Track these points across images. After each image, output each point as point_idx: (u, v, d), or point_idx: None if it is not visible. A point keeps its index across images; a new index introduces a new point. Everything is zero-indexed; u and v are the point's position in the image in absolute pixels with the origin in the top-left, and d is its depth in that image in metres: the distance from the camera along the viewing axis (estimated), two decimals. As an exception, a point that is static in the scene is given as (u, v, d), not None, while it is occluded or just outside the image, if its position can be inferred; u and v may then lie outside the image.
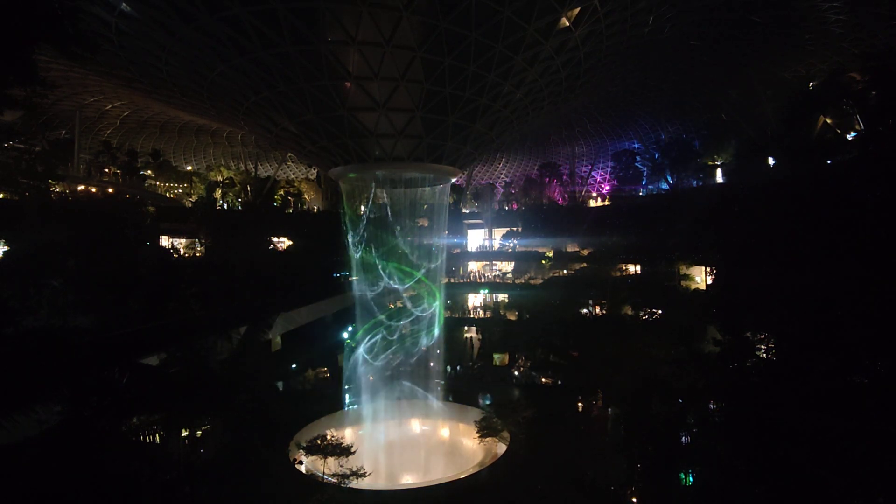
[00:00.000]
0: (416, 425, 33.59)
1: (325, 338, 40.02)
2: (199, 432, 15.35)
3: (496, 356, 42.42)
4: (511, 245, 57.88)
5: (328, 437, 24.20)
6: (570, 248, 49.60)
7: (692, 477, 16.24)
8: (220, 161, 68.06)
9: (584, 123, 57.45)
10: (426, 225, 38.17)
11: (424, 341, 36.41)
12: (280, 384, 35.00)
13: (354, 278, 36.99)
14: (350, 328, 39.32)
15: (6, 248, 26.15)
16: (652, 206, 48.07)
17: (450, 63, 22.75)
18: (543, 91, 28.36)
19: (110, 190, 45.67)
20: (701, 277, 40.20)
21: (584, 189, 65.49)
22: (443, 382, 36.67)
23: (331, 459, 23.27)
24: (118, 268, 21.16)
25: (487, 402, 33.59)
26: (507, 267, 55.60)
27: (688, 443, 16.33)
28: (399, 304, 38.50)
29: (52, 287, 18.24)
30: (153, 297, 21.74)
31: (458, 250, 58.00)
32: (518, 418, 27.04)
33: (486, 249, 60.74)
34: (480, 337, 46.43)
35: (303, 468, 23.43)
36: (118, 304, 20.75)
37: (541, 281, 47.46)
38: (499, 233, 61.61)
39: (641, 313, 33.19)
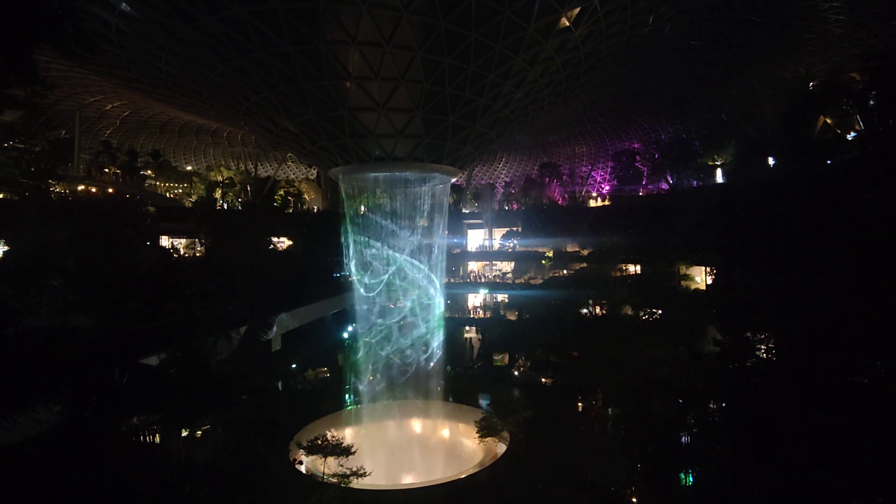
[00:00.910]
0: (416, 425, 33.59)
1: (325, 338, 40.01)
2: (199, 432, 15.37)
3: (496, 356, 42.41)
4: (511, 245, 57.87)
5: (328, 437, 24.18)
6: (570, 248, 49.58)
7: (692, 477, 16.23)
8: (220, 161, 68.04)
9: (584, 123, 57.44)
10: (426, 225, 38.14)
11: (433, 345, 36.40)
12: (280, 384, 35.01)
13: (354, 278, 36.98)
14: (350, 328, 39.34)
15: (6, 248, 26.13)
16: (652, 206, 48.05)
17: (450, 63, 22.75)
18: (543, 91, 28.36)
19: (110, 190, 45.64)
20: (701, 277, 40.21)
21: (584, 189, 65.46)
22: (443, 382, 36.65)
23: (331, 459, 23.25)
24: (118, 268, 21.15)
25: (487, 403, 33.60)
26: (507, 267, 55.58)
27: (688, 443, 16.32)
28: (399, 305, 38.50)
29: (52, 287, 18.23)
30: (153, 297, 21.71)
31: (458, 250, 57.98)
32: (518, 418, 27.03)
33: (486, 249, 60.71)
34: (480, 337, 46.43)
35: (303, 468, 23.43)
36: (118, 304, 20.73)
37: (541, 281, 47.45)
38: (499, 233, 61.59)
39: (641, 313, 33.23)
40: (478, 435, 27.15)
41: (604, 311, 37.11)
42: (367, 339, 35.45)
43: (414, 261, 37.31)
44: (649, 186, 57.48)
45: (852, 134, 32.44)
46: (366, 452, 25.02)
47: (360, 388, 35.14)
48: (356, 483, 21.96)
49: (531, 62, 24.49)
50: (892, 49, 25.38)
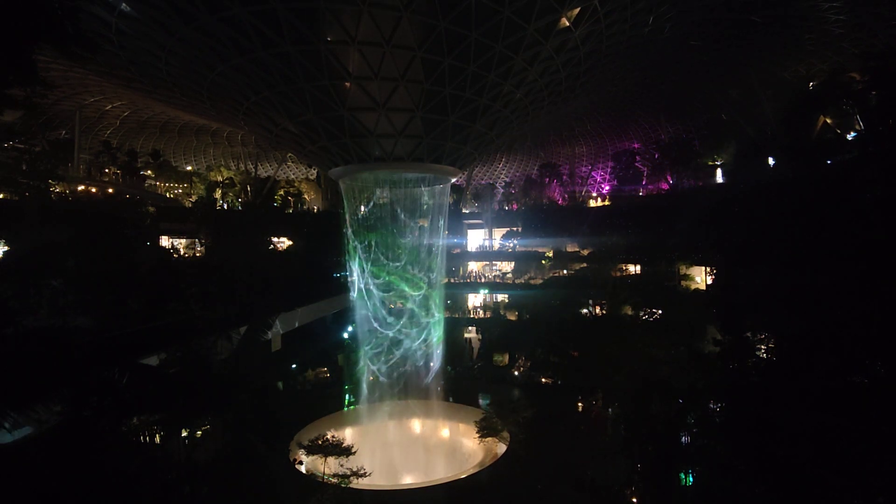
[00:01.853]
0: (416, 425, 33.59)
1: (325, 338, 40.02)
2: (199, 432, 15.37)
3: (496, 356, 42.42)
4: (511, 245, 57.86)
5: (328, 437, 24.19)
6: (570, 248, 49.59)
7: (692, 477, 16.23)
8: (220, 161, 68.02)
9: (584, 123, 57.43)
10: (426, 225, 38.14)
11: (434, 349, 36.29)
12: (280, 384, 35.02)
13: (354, 278, 36.98)
14: (350, 328, 39.33)
15: (6, 248, 26.14)
16: (652, 206, 48.09)
17: (450, 63, 22.75)
18: (543, 91, 28.36)
19: (110, 190, 45.68)
20: (701, 277, 40.21)
21: (584, 189, 65.47)
22: (443, 382, 36.65)
23: (331, 459, 23.27)
24: (118, 268, 21.15)
25: (487, 403, 33.59)
26: (507, 267, 55.57)
27: (688, 443, 16.33)
28: (399, 305, 38.49)
29: (52, 287, 18.24)
30: (153, 297, 21.72)
31: (458, 250, 57.98)
32: (518, 418, 27.04)
33: (486, 249, 60.71)
34: (480, 337, 46.43)
35: (303, 468, 23.44)
36: (118, 304, 20.75)
37: (541, 281, 47.45)
38: (499, 233, 61.59)
39: (641, 313, 33.23)
40: (478, 435, 27.16)
41: (604, 311, 37.10)
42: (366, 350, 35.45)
43: (412, 281, 37.18)
44: (649, 186, 57.47)
45: (852, 134, 32.45)
46: (366, 452, 25.04)
47: (360, 388, 35.15)
48: (356, 483, 21.98)
49: (531, 62, 24.49)
50: (892, 49, 25.41)
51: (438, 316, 37.41)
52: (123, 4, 20.17)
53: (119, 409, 8.85)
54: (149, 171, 58.44)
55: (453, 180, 36.68)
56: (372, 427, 31.89)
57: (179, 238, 46.19)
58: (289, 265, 37.55)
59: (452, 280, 51.90)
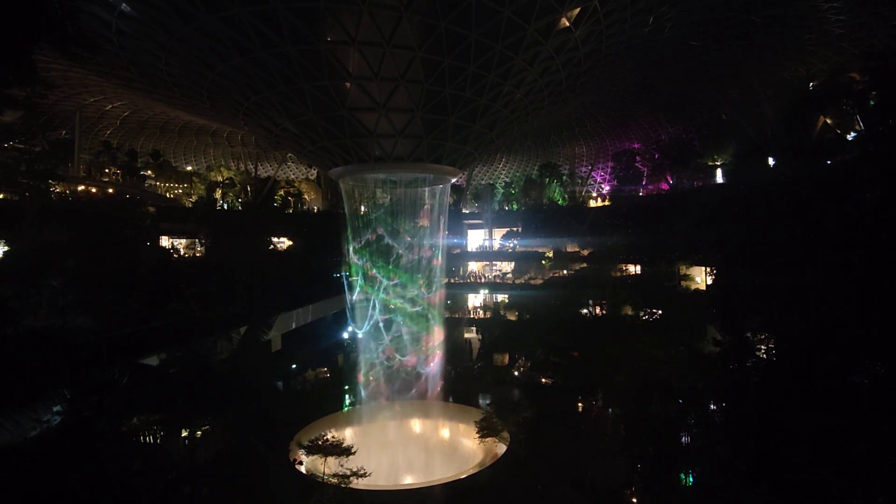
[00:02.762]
0: (416, 425, 33.58)
1: (325, 338, 40.03)
2: (199, 432, 15.36)
3: (496, 356, 42.41)
4: (511, 245, 57.89)
5: (328, 437, 24.18)
6: (570, 248, 49.61)
7: (692, 477, 16.24)
8: (220, 161, 68.04)
9: (584, 123, 57.45)
10: (426, 225, 38.14)
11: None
12: (280, 384, 35.02)
13: (354, 278, 36.99)
14: (350, 328, 39.24)
15: (6, 248, 26.15)
16: (652, 206, 48.15)
17: (450, 63, 22.75)
18: (543, 91, 28.36)
19: (110, 190, 45.69)
20: (701, 277, 40.22)
21: (584, 189, 65.52)
22: (443, 382, 36.65)
23: (331, 459, 23.24)
24: (118, 268, 21.19)
25: (487, 403, 33.58)
26: (507, 267, 55.59)
27: (688, 443, 16.33)
28: (399, 305, 38.48)
29: (52, 287, 18.27)
30: (153, 297, 21.77)
31: (458, 250, 58.00)
32: (518, 418, 27.02)
33: (486, 250, 60.74)
34: (480, 337, 46.44)
35: (303, 468, 23.42)
36: (118, 304, 20.78)
37: (541, 281, 47.47)
38: (499, 233, 61.62)
39: (641, 313, 33.22)
40: (478, 435, 27.13)
41: (604, 312, 37.09)
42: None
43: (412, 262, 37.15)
44: (649, 186, 57.51)
45: (852, 134, 32.48)
46: (366, 452, 25.01)
47: (360, 388, 35.15)
48: (356, 483, 21.94)
49: (531, 62, 24.49)
50: (892, 49, 25.41)
51: (438, 316, 37.39)
52: (123, 4, 20.16)
53: (119, 409, 8.87)
54: (149, 171, 58.48)
55: (453, 180, 36.69)
56: (372, 427, 31.87)
57: (179, 238, 46.24)
58: (289, 265, 37.60)
59: (452, 280, 51.91)
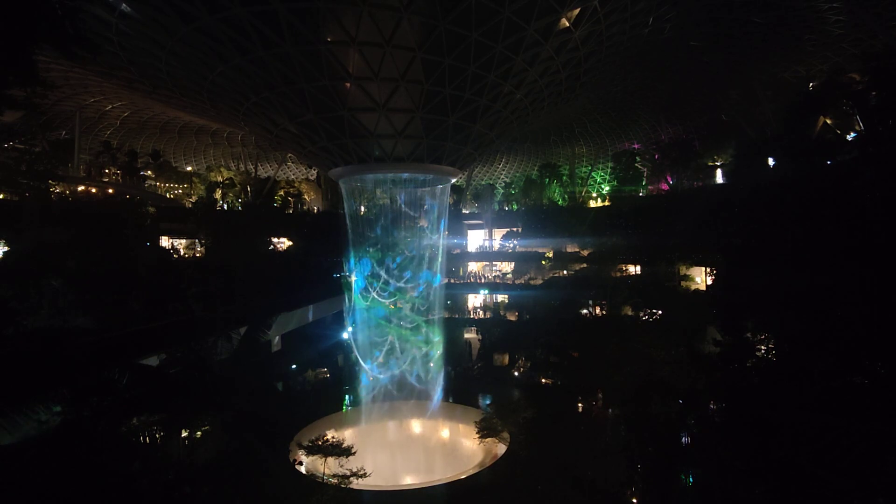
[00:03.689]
0: (416, 426, 33.58)
1: (325, 338, 40.02)
2: (199, 432, 15.37)
3: (496, 356, 42.40)
4: (511, 245, 57.86)
5: (328, 438, 24.18)
6: (570, 248, 49.56)
7: (692, 477, 16.23)
8: (220, 161, 68.04)
9: (584, 123, 57.45)
10: (426, 225, 38.16)
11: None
12: (280, 384, 35.02)
13: (354, 279, 36.97)
14: (350, 329, 39.23)
15: (6, 248, 26.15)
16: (652, 206, 48.05)
17: (450, 63, 22.75)
18: (543, 91, 28.37)
19: (110, 190, 45.68)
20: (701, 278, 40.21)
21: (584, 189, 65.50)
22: (443, 383, 36.65)
23: (331, 460, 23.25)
24: (118, 268, 21.18)
25: (487, 403, 33.58)
26: (507, 267, 55.57)
27: (688, 443, 16.33)
28: (399, 305, 38.46)
29: (52, 287, 18.26)
30: (153, 297, 21.76)
31: (458, 251, 57.97)
32: (518, 419, 27.01)
33: (486, 250, 60.72)
34: (480, 337, 46.42)
35: (303, 468, 23.43)
36: (118, 304, 20.77)
37: (541, 281, 47.43)
38: (499, 233, 61.59)
39: (641, 314, 33.24)
40: (478, 435, 27.14)
41: (604, 312, 37.07)
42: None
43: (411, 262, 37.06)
44: (649, 187, 57.50)
45: (852, 134, 32.46)
46: (366, 453, 25.02)
47: (360, 388, 35.15)
48: (356, 483, 21.96)
49: (531, 63, 24.49)
50: (892, 49, 25.42)
51: (437, 316, 37.38)
52: (123, 5, 20.16)
53: (119, 409, 8.86)
54: (149, 172, 58.47)
55: (453, 180, 36.70)
56: (372, 427, 31.88)
57: (179, 238, 46.22)
58: (289, 265, 37.59)
59: (452, 280, 51.88)
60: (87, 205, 31.77)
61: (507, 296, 49.43)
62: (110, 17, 20.84)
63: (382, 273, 35.77)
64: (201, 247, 42.37)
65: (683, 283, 39.11)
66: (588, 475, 18.03)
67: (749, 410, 12.55)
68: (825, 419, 10.43)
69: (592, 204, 61.19)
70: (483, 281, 53.90)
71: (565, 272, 47.05)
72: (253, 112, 27.51)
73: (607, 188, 62.97)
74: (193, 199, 58.52)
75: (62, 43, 7.54)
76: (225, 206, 58.32)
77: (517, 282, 50.64)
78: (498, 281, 52.98)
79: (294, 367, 37.20)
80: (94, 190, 44.68)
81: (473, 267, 58.07)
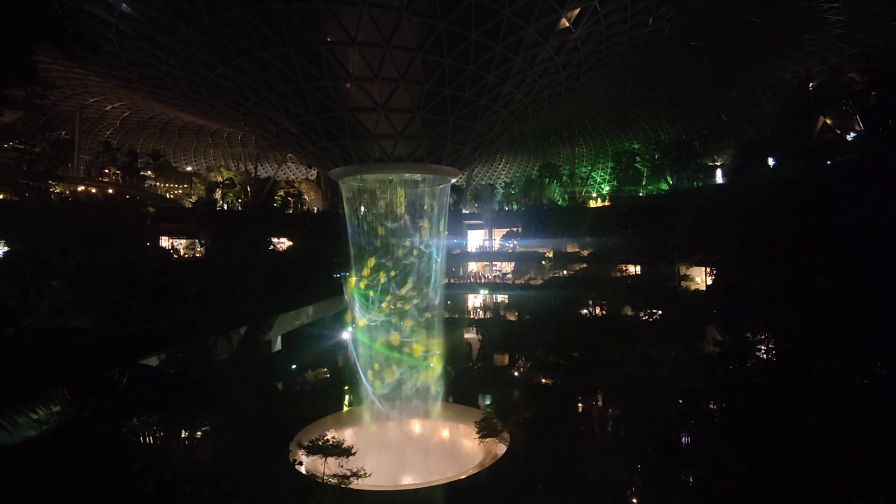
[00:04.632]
0: (416, 426, 33.57)
1: (325, 338, 40.00)
2: (199, 432, 15.36)
3: (496, 357, 42.39)
4: (511, 245, 57.88)
5: (329, 438, 24.18)
6: (570, 248, 49.59)
7: (692, 477, 16.23)
8: (220, 162, 68.06)
9: (584, 123, 57.47)
10: (426, 225, 38.15)
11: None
12: (280, 384, 35.02)
13: (354, 279, 36.93)
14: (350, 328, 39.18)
15: (6, 248, 26.15)
16: (652, 206, 48.04)
17: (450, 64, 22.76)
18: (543, 91, 28.37)
19: (110, 190, 45.70)
20: (701, 278, 40.19)
21: (584, 189, 65.51)
22: (443, 383, 36.63)
23: (331, 460, 23.24)
24: (118, 268, 21.15)
25: (487, 403, 33.57)
26: (507, 267, 55.58)
27: (688, 443, 16.33)
28: (399, 305, 38.41)
29: (52, 287, 18.25)
30: (153, 297, 21.73)
31: (458, 251, 57.97)
32: (518, 419, 27.00)
33: (486, 250, 60.73)
34: (480, 338, 46.43)
35: (303, 468, 23.41)
36: (118, 304, 20.74)
37: (541, 281, 47.44)
38: (499, 233, 61.61)
39: (641, 314, 33.21)
40: (478, 435, 27.13)
41: (604, 312, 37.06)
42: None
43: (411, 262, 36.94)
44: (649, 187, 57.51)
45: (852, 134, 32.50)
46: (366, 453, 25.01)
47: (360, 388, 35.10)
48: (356, 484, 21.94)
49: (531, 63, 24.50)
50: (892, 49, 25.41)
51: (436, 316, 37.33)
52: (123, 5, 20.17)
53: (119, 409, 8.86)
54: (149, 172, 58.50)
55: (453, 181, 36.69)
56: (372, 427, 31.86)
57: (179, 238, 46.24)
58: (289, 266, 37.58)
59: (452, 280, 51.87)
60: (87, 205, 31.75)
61: (507, 296, 49.42)
62: (110, 18, 20.84)
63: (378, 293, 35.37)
64: (201, 247, 42.39)
65: (683, 283, 39.09)
66: (588, 475, 18.03)
67: (749, 410, 12.55)
68: (825, 419, 10.43)
69: (592, 204, 61.25)
70: (483, 281, 53.91)
71: (565, 272, 47.08)
72: (253, 112, 27.51)
73: (607, 188, 63.00)
74: (193, 199, 58.58)
75: (62, 43, 7.54)
76: (225, 207, 58.35)
77: (517, 282, 50.63)
78: (498, 281, 52.99)
79: (294, 367, 37.19)
80: (94, 190, 44.71)
81: (473, 267, 58.08)
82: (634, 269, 44.68)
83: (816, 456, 10.41)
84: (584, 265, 44.29)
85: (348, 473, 21.89)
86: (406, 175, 31.16)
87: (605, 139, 61.25)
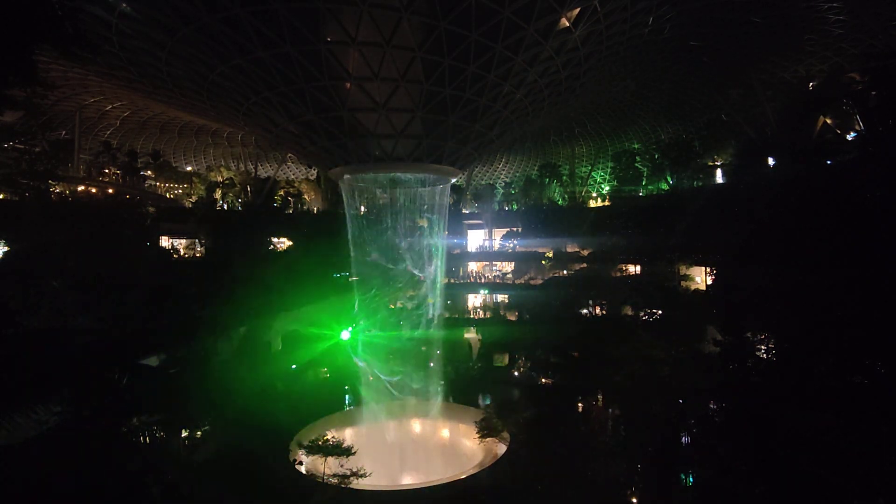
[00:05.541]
0: (416, 426, 33.58)
1: (325, 338, 39.97)
2: (199, 432, 15.38)
3: (496, 356, 42.38)
4: (511, 245, 57.85)
5: (328, 438, 24.19)
6: (570, 248, 49.57)
7: (692, 477, 16.24)
8: (220, 161, 68.01)
9: (584, 123, 57.45)
10: (426, 225, 38.15)
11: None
12: (280, 384, 35.00)
13: (354, 279, 36.96)
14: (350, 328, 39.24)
15: (6, 248, 26.12)
16: (652, 206, 48.00)
17: (450, 63, 22.75)
18: (543, 91, 28.36)
19: (110, 190, 45.66)
20: (701, 277, 40.19)
21: (584, 189, 65.48)
22: (443, 383, 36.65)
23: (331, 459, 23.25)
24: (118, 268, 21.13)
25: (487, 403, 33.56)
26: (508, 267, 55.56)
27: (688, 443, 16.34)
28: (399, 305, 38.45)
29: (52, 287, 18.22)
30: (153, 297, 21.70)
31: (458, 250, 57.94)
32: (518, 418, 27.03)
33: (486, 250, 60.69)
34: (480, 337, 46.41)
35: (303, 468, 23.42)
36: (118, 304, 20.71)
37: (541, 281, 47.43)
38: (499, 233, 61.58)
39: (641, 313, 33.23)
40: (478, 435, 27.14)
41: (604, 312, 37.09)
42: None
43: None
44: (649, 186, 57.48)
45: (852, 134, 32.48)
46: (366, 452, 25.02)
47: (360, 388, 35.14)
48: (356, 483, 21.96)
49: (531, 63, 24.49)
50: (892, 49, 25.39)
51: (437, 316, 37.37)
52: (123, 5, 20.16)
53: (119, 409, 8.86)
54: (149, 172, 58.43)
55: (453, 180, 36.70)
56: (372, 427, 31.87)
57: (179, 238, 46.18)
58: (289, 265, 37.50)
59: (452, 280, 51.85)
60: (87, 205, 31.71)
61: (507, 296, 49.39)
62: (110, 17, 20.84)
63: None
64: (201, 247, 42.35)
65: (683, 283, 39.08)
66: (588, 475, 18.03)
67: (749, 410, 12.55)
68: (825, 419, 10.43)
69: (592, 204, 61.18)
70: (483, 281, 53.89)
71: (565, 272, 47.09)
72: (253, 112, 27.50)
73: (607, 188, 62.95)
74: (193, 199, 58.51)
75: (62, 43, 7.53)
76: (225, 206, 58.31)
77: (517, 282, 50.62)
78: (498, 281, 52.97)
79: (294, 367, 37.18)
80: (94, 190, 44.66)
81: (473, 267, 58.05)
82: (634, 269, 44.68)
83: (816, 456, 10.40)
84: (584, 265, 44.30)
85: (348, 473, 21.90)
86: (406, 175, 31.14)
87: (605, 139, 61.21)
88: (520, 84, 26.08)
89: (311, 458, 24.09)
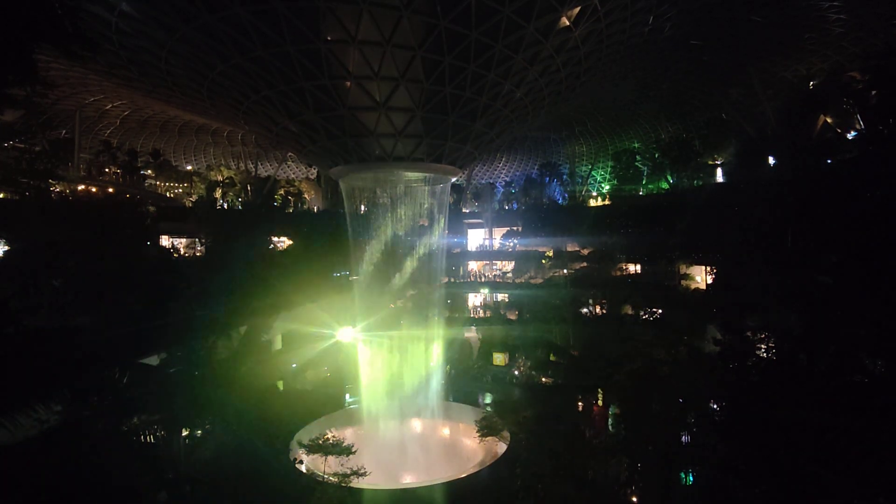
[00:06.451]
0: (416, 425, 33.60)
1: (325, 337, 39.99)
2: (199, 432, 15.37)
3: (496, 356, 42.42)
4: (511, 245, 57.86)
5: (329, 437, 24.20)
6: (571, 247, 49.57)
7: (692, 477, 16.25)
8: (220, 160, 68.01)
9: (584, 123, 57.44)
10: (426, 224, 38.13)
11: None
12: (280, 384, 35.02)
13: (355, 278, 36.94)
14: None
15: (6, 248, 26.11)
16: (652, 205, 47.99)
17: (450, 62, 22.73)
18: (543, 90, 28.34)
19: (110, 190, 45.68)
20: (701, 277, 40.20)
21: (584, 189, 65.49)
22: (443, 382, 36.65)
23: (331, 459, 23.28)
24: (118, 268, 21.12)
25: (487, 402, 33.58)
26: (508, 266, 55.59)
27: (688, 442, 16.34)
28: (399, 304, 38.44)
29: (53, 286, 18.22)
30: (153, 297, 21.70)
31: (459, 250, 57.96)
32: (518, 418, 27.03)
33: (487, 249, 60.72)
34: (480, 336, 46.44)
35: (303, 467, 23.44)
36: (118, 304, 20.72)
37: (541, 280, 47.44)
38: (499, 232, 61.59)
39: (641, 313, 33.26)
40: (478, 434, 27.15)
41: (604, 311, 37.11)
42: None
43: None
44: (649, 186, 57.47)
45: (852, 133, 32.47)
46: (366, 452, 25.03)
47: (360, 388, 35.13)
48: (357, 482, 21.98)
49: (531, 62, 24.47)
50: (892, 49, 25.39)
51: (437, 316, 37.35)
52: (123, 3, 20.14)
53: (119, 409, 8.86)
54: (149, 171, 58.44)
55: (453, 180, 36.67)
56: (372, 426, 31.89)
57: (179, 238, 46.20)
58: (289, 265, 37.50)
59: (452, 280, 51.86)
60: (87, 204, 31.70)
61: (507, 295, 49.42)
62: (110, 16, 20.81)
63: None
64: (201, 246, 42.36)
65: (683, 283, 39.11)
66: (588, 475, 18.04)
67: (749, 410, 12.55)
68: (825, 419, 10.43)
69: (592, 203, 61.19)
70: (483, 280, 53.90)
71: (565, 271, 47.06)
72: (253, 111, 27.49)
73: (607, 187, 62.94)
74: (193, 198, 58.54)
75: (62, 42, 7.52)
76: (225, 206, 58.33)
77: (517, 281, 50.64)
78: (498, 280, 52.99)
79: (294, 366, 37.20)
80: (94, 189, 44.69)
81: (474, 266, 58.08)
82: (634, 268, 44.70)
83: (816, 456, 10.41)
84: (585, 264, 44.29)
85: (349, 472, 21.92)
86: (406, 174, 31.12)
87: (605, 138, 61.22)
88: (520, 83, 26.06)
89: (311, 457, 24.11)
